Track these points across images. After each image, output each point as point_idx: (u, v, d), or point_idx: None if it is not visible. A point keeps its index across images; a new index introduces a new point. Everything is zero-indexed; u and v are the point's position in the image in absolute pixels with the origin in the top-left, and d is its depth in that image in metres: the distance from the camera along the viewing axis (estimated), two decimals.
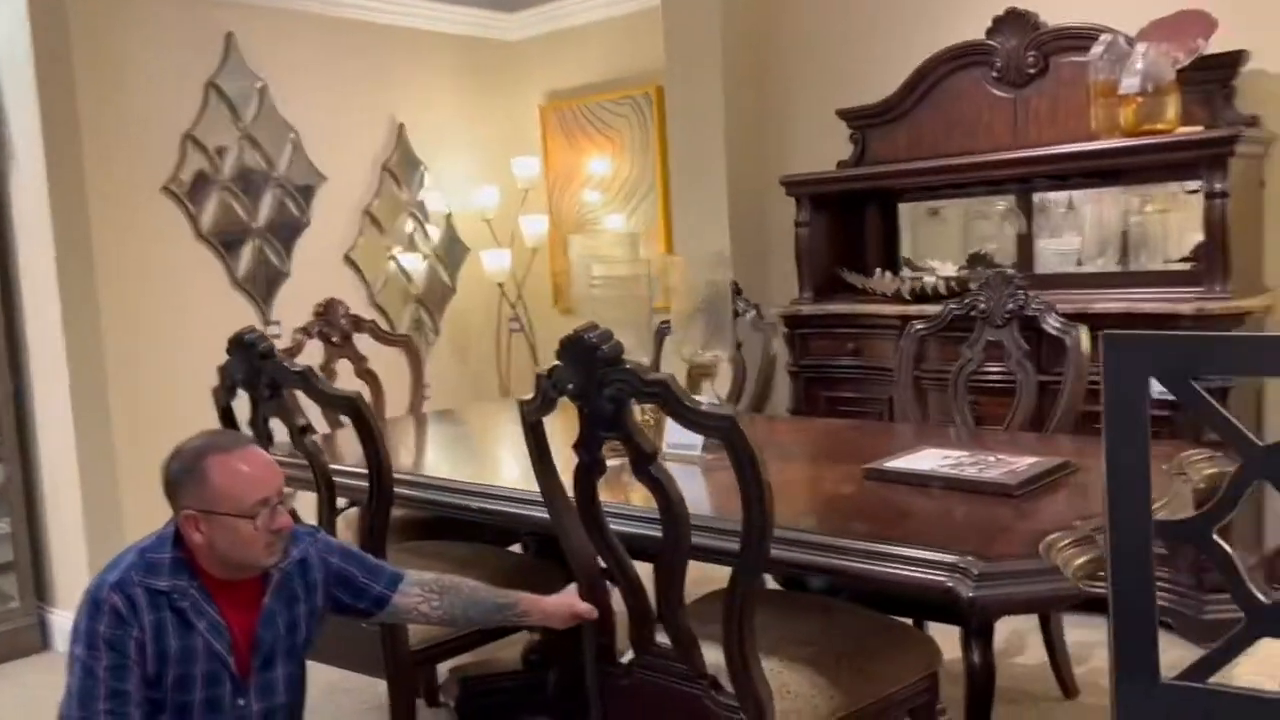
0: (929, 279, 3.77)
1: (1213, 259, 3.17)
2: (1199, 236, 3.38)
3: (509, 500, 2.29)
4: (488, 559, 2.72)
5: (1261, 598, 1.11)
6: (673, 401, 1.66)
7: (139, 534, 1.89)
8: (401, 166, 5.16)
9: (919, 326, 3.01)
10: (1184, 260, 3.50)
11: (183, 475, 1.77)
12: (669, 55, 4.60)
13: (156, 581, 1.75)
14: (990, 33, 3.83)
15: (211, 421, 2.34)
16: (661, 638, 1.86)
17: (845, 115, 4.24)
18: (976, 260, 4.08)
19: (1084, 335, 2.74)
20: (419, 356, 3.80)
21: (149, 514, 2.26)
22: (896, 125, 4.12)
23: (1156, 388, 3.32)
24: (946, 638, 2.28)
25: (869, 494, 2.09)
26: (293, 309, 4.65)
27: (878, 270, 4.00)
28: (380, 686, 2.43)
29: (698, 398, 2.64)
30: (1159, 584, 1.48)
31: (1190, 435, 3.10)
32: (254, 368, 2.26)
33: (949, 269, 4.03)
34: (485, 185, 5.28)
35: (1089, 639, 3.07)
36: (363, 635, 2.27)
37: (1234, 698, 1.05)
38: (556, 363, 1.79)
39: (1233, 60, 3.31)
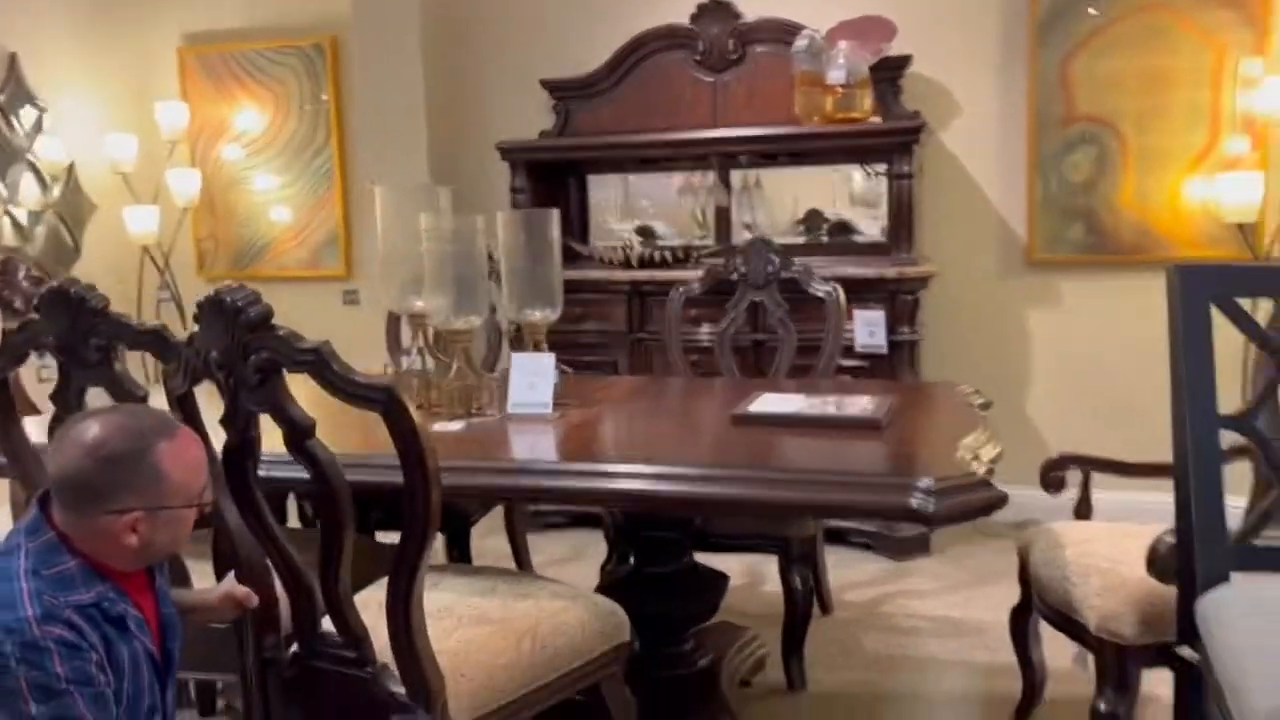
0: (646, 247, 3.98)
1: (899, 232, 3.72)
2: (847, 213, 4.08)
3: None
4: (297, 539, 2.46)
5: None
6: (327, 372, 1.51)
7: None
8: (13, 104, 4.34)
9: (693, 288, 3.19)
10: (801, 231, 4.13)
11: (118, 472, 1.44)
12: (356, 9, 4.35)
13: (78, 596, 1.43)
14: (694, 19, 4.12)
15: None
16: (328, 625, 1.72)
17: (549, 86, 4.32)
18: (644, 233, 4.36)
19: (842, 295, 3.10)
20: None
21: None
22: (600, 99, 4.28)
23: (860, 341, 3.79)
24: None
25: (753, 436, 2.22)
26: None
27: (592, 239, 4.14)
28: None
29: (532, 356, 2.62)
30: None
31: (888, 375, 3.65)
32: (78, 327, 1.86)
33: (635, 240, 4.27)
34: (120, 133, 4.60)
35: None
36: (212, 633, 1.97)
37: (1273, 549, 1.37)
38: (196, 328, 1.60)
39: (901, 63, 3.90)
